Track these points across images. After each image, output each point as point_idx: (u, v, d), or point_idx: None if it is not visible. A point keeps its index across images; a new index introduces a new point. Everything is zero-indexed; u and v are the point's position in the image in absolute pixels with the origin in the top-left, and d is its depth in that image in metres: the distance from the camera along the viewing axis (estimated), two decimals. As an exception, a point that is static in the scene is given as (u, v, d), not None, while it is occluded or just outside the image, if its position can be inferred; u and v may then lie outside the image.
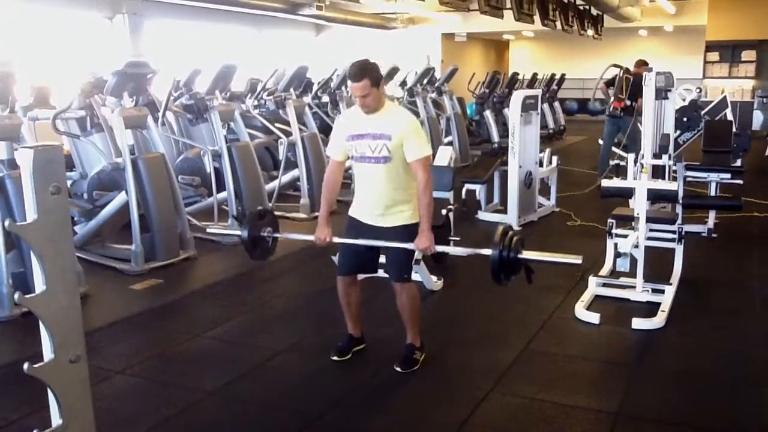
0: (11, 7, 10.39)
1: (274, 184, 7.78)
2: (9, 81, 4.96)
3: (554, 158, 7.88)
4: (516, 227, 6.99)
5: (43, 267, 2.13)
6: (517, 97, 7.14)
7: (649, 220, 4.80)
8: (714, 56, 15.93)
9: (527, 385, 3.61)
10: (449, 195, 5.80)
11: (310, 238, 3.73)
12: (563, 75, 15.95)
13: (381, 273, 4.15)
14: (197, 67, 7.98)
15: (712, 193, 6.77)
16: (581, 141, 15.16)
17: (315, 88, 9.47)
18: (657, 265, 5.07)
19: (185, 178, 6.90)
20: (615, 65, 8.71)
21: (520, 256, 3.29)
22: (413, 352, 3.81)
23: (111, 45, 11.97)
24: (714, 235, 6.47)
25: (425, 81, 11.41)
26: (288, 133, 7.73)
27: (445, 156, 6.69)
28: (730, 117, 9.27)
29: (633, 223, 4.77)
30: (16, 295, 2.10)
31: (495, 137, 12.29)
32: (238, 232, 3.84)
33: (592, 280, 4.91)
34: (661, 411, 3.37)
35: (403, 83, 11.09)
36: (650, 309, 4.57)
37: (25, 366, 2.11)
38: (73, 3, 11.59)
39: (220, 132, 6.57)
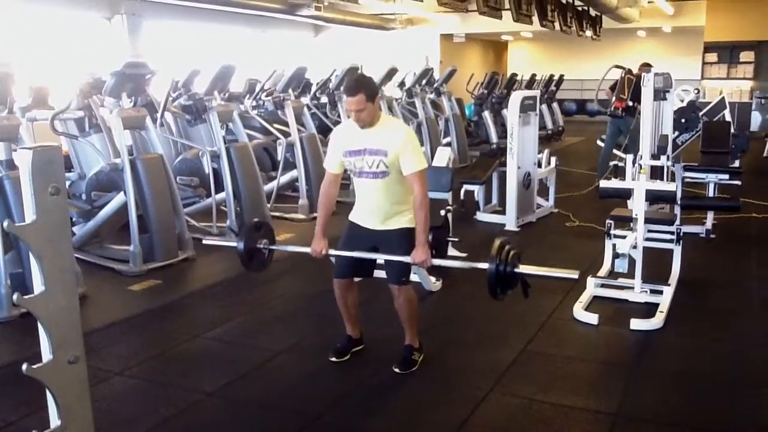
0: (10, 8, 10.38)
1: (272, 185, 7.79)
2: (7, 81, 4.95)
3: (553, 159, 7.89)
4: (515, 228, 7.01)
5: (42, 268, 2.13)
6: (516, 97, 7.14)
7: (647, 220, 4.81)
8: (712, 57, 15.96)
9: (526, 386, 3.61)
10: (448, 196, 5.79)
11: (307, 250, 3.73)
12: (562, 76, 15.96)
13: (381, 273, 4.15)
14: (196, 68, 7.98)
15: (711, 194, 6.78)
16: (580, 142, 15.18)
17: (313, 88, 9.47)
18: (655, 266, 5.08)
19: (184, 179, 6.90)
20: (617, 66, 8.71)
21: (516, 270, 3.28)
22: (412, 353, 3.81)
23: (109, 45, 11.97)
24: (712, 236, 6.48)
25: (424, 82, 11.41)
26: (286, 134, 7.73)
27: (444, 157, 6.68)
28: (728, 118, 9.30)
29: (631, 224, 4.77)
30: (15, 296, 2.10)
31: (493, 138, 12.29)
32: (234, 244, 3.82)
33: (591, 281, 4.91)
34: (659, 411, 3.37)
35: (402, 84, 11.09)
36: (648, 310, 4.57)
37: (24, 367, 2.11)
38: (71, 3, 11.58)
39: (219, 133, 6.57)
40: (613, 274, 5.02)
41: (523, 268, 3.30)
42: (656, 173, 5.64)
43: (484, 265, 3.27)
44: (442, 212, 5.47)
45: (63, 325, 2.20)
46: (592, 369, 3.94)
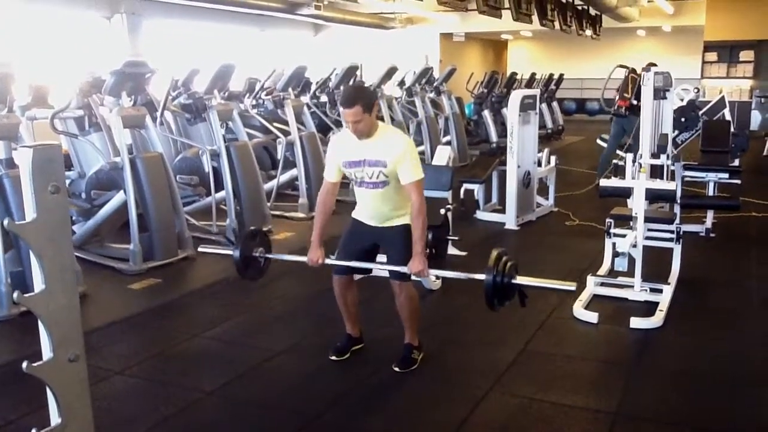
0: (10, 7, 10.38)
1: (272, 184, 7.79)
2: (7, 80, 4.95)
3: (552, 158, 7.89)
4: (514, 227, 7.01)
5: (42, 266, 2.13)
6: (516, 96, 7.14)
7: (647, 219, 4.81)
8: (712, 56, 15.96)
9: (526, 385, 3.61)
10: (447, 195, 5.79)
11: (303, 259, 3.72)
12: (561, 75, 15.96)
13: (380, 273, 4.15)
14: (195, 67, 7.97)
15: (710, 193, 6.78)
16: (579, 141, 15.18)
17: (313, 87, 9.46)
18: (655, 265, 5.08)
19: (184, 178, 6.89)
20: (621, 66, 8.70)
21: (513, 281, 3.30)
22: (411, 352, 3.81)
23: (109, 44, 11.97)
24: (712, 235, 6.48)
25: (424, 81, 11.40)
26: (286, 133, 7.73)
27: (444, 155, 6.68)
28: (728, 117, 9.29)
29: (631, 223, 4.77)
30: (15, 294, 2.10)
31: (493, 137, 12.29)
32: (230, 252, 3.81)
33: (591, 280, 4.92)
34: (659, 410, 3.37)
35: (402, 83, 11.09)
36: (648, 308, 4.57)
37: (24, 365, 2.11)
38: (71, 2, 11.58)
39: (219, 131, 6.56)
40: (612, 272, 5.03)
41: (520, 279, 3.32)
42: (656, 172, 5.64)
43: (482, 276, 3.28)
44: (442, 211, 5.47)
45: (63, 323, 2.20)
46: (592, 368, 3.94)
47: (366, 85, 10.02)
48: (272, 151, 8.35)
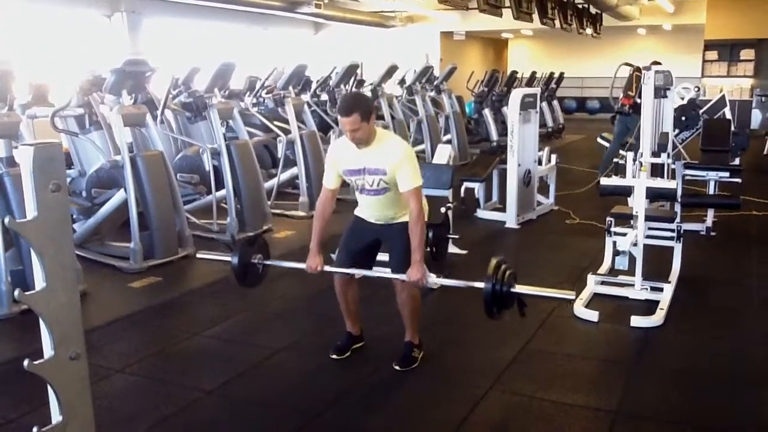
0: (10, 5, 10.37)
1: (273, 182, 7.80)
2: (8, 79, 4.95)
3: (553, 156, 7.89)
4: (515, 225, 7.01)
5: (43, 264, 2.13)
6: (516, 95, 7.14)
7: (647, 218, 4.80)
8: (713, 55, 15.95)
9: (526, 384, 3.61)
10: (448, 193, 5.80)
11: (302, 266, 3.72)
12: (562, 73, 15.96)
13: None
14: (196, 65, 7.97)
15: (711, 192, 6.78)
16: (580, 139, 15.17)
17: (314, 86, 9.46)
18: (656, 264, 5.08)
19: (184, 176, 6.90)
20: (626, 64, 8.71)
21: (512, 290, 3.30)
22: (412, 350, 3.81)
23: (110, 43, 11.96)
24: (712, 234, 6.48)
25: (424, 79, 11.40)
26: (287, 131, 7.73)
27: (444, 154, 6.69)
28: (728, 116, 9.28)
29: (632, 222, 4.77)
30: (17, 292, 2.10)
31: (494, 136, 12.29)
32: (228, 258, 3.81)
33: (591, 278, 4.92)
34: (659, 409, 3.37)
35: (402, 82, 11.09)
36: (649, 307, 4.57)
37: (26, 363, 2.11)
38: (71, 1, 11.58)
39: (219, 130, 6.56)
40: (613, 271, 5.03)
41: (519, 288, 3.32)
42: (657, 171, 5.64)
43: (480, 285, 3.29)
44: (443, 209, 5.47)
45: (64, 321, 2.20)
46: (592, 366, 3.94)
47: (366, 88, 10.04)
48: (273, 149, 8.35)
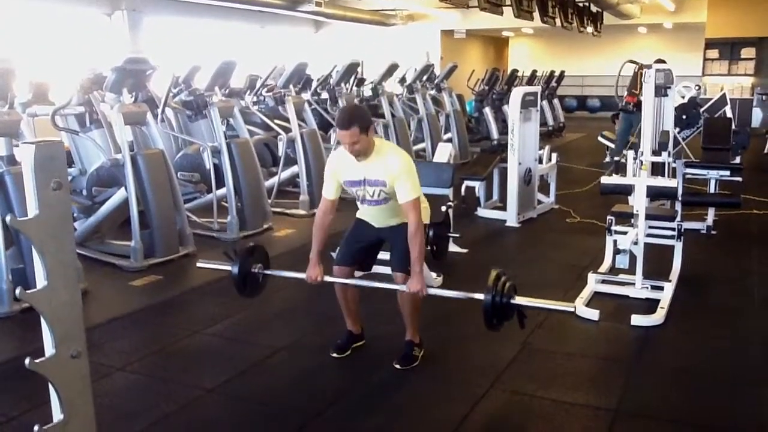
0: (11, 4, 10.37)
1: (273, 181, 7.80)
2: (8, 77, 4.95)
3: (553, 155, 7.88)
4: (515, 224, 7.01)
5: (45, 262, 2.13)
6: (517, 94, 7.13)
7: (648, 217, 4.80)
8: (713, 53, 15.95)
9: (526, 382, 3.61)
10: (449, 192, 5.80)
11: (302, 276, 3.73)
12: (562, 72, 15.95)
13: (379, 269, 4.16)
14: (196, 64, 7.97)
15: (712, 191, 6.78)
16: (580, 138, 15.17)
17: (314, 84, 9.46)
18: (656, 262, 5.08)
19: (184, 175, 6.90)
20: (631, 61, 8.71)
21: (512, 301, 3.31)
22: (412, 349, 3.81)
23: (110, 41, 11.96)
24: (713, 233, 6.47)
25: (424, 78, 11.40)
26: (287, 130, 7.73)
27: (445, 153, 6.70)
28: (729, 114, 9.29)
29: (632, 220, 4.77)
30: (18, 291, 2.10)
31: (494, 134, 12.29)
32: (229, 268, 3.82)
33: (592, 277, 4.92)
34: (659, 408, 3.37)
35: (403, 80, 11.08)
36: (649, 306, 4.57)
37: (27, 361, 2.11)
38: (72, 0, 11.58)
39: (220, 128, 6.56)
40: (614, 270, 5.03)
41: (519, 300, 3.33)
42: (657, 169, 5.64)
43: (480, 296, 3.30)
44: (443, 208, 5.48)
45: (65, 319, 2.20)
46: (592, 365, 3.95)
47: (366, 86, 10.04)
48: (273, 148, 8.35)
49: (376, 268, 4.11)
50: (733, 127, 8.25)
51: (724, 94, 9.95)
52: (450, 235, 5.73)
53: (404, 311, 3.77)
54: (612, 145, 10.74)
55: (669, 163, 5.89)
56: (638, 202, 4.75)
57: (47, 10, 11.12)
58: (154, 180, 5.61)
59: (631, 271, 4.72)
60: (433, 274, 5.09)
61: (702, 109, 8.95)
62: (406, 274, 3.62)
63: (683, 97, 9.01)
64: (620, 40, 18.91)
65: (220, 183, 6.56)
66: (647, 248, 4.79)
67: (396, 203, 3.57)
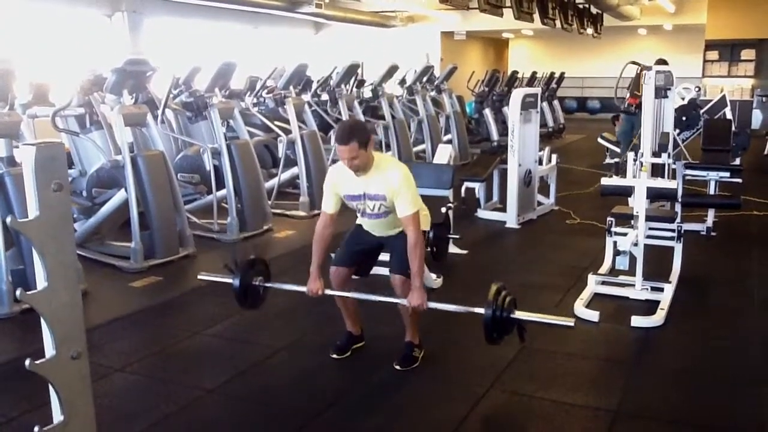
0: (11, 5, 10.38)
1: (273, 182, 7.80)
2: (8, 78, 4.96)
3: (554, 156, 7.89)
4: (515, 225, 7.01)
5: (45, 264, 2.14)
6: (517, 95, 7.14)
7: (648, 218, 4.80)
8: (713, 55, 15.95)
9: (526, 383, 3.61)
10: (449, 193, 5.80)
11: (303, 289, 3.74)
12: (562, 73, 15.96)
13: (378, 270, 4.16)
14: (197, 65, 7.97)
15: (712, 192, 6.78)
16: (580, 139, 15.17)
17: (314, 86, 9.47)
18: (656, 264, 5.08)
19: (185, 176, 6.90)
20: (633, 62, 8.72)
21: (512, 316, 3.34)
22: (412, 350, 3.82)
23: (110, 42, 11.97)
24: (713, 234, 6.47)
25: (424, 79, 11.40)
26: (287, 131, 7.73)
27: (445, 154, 6.70)
28: (729, 116, 9.28)
29: (632, 222, 4.77)
30: (18, 292, 2.10)
31: (494, 135, 12.29)
32: (230, 281, 3.83)
33: (592, 278, 4.92)
34: (660, 409, 3.38)
35: (403, 81, 11.09)
36: (649, 307, 4.57)
37: (27, 362, 2.12)
38: (72, 0, 11.58)
39: (220, 130, 6.56)
40: (614, 271, 5.03)
41: (519, 314, 3.37)
42: (657, 171, 5.64)
43: (481, 310, 3.33)
44: (443, 209, 5.48)
45: (66, 320, 2.20)
46: (592, 366, 3.95)
47: (366, 87, 10.04)
48: (273, 149, 8.35)
49: (376, 269, 4.10)
50: (733, 128, 8.25)
51: (724, 96, 9.94)
52: (450, 236, 5.73)
53: (403, 312, 3.77)
54: (612, 147, 10.74)
55: (669, 165, 5.89)
56: (638, 204, 4.76)
57: (47, 11, 11.13)
58: (154, 181, 5.61)
59: (631, 272, 4.72)
60: (433, 276, 5.09)
61: (702, 111, 8.95)
62: (405, 277, 3.63)
63: (683, 99, 9.00)
64: (620, 41, 18.92)
65: (220, 184, 6.56)
66: (647, 249, 4.79)
67: (395, 218, 3.59)
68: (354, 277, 3.96)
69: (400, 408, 3.43)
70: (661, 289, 4.71)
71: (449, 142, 10.96)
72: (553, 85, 15.49)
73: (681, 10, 16.17)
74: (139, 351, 4.12)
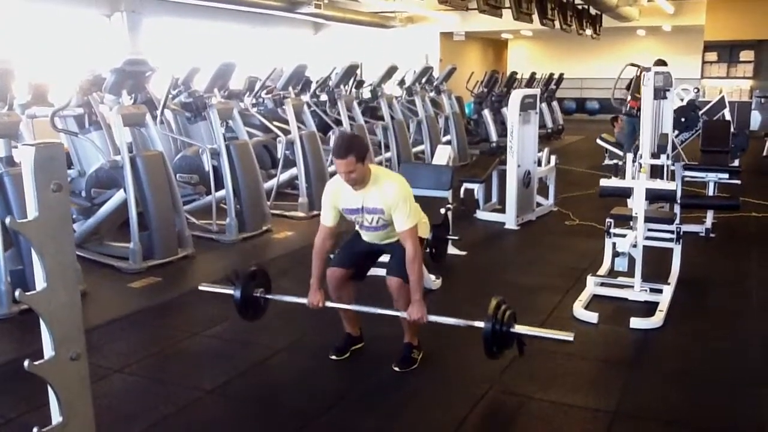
0: (10, 5, 10.37)
1: (272, 183, 7.79)
2: (7, 78, 4.95)
3: (552, 157, 7.89)
4: (514, 226, 7.01)
5: (44, 264, 2.13)
6: (516, 96, 7.14)
7: (647, 219, 4.81)
8: (712, 56, 15.97)
9: (525, 384, 3.61)
10: (447, 194, 5.80)
11: (303, 301, 3.75)
12: (561, 74, 15.96)
13: (377, 271, 4.15)
14: (196, 65, 7.96)
15: (710, 193, 6.78)
16: (579, 140, 15.18)
17: (313, 86, 9.47)
18: (655, 265, 5.08)
19: (184, 176, 6.90)
20: (632, 64, 8.73)
21: (512, 330, 3.35)
22: (411, 351, 3.81)
23: (109, 43, 11.96)
24: (712, 235, 6.48)
25: (424, 80, 11.40)
26: (286, 132, 7.73)
27: (444, 155, 6.70)
28: (728, 117, 9.30)
29: (631, 223, 4.77)
30: (17, 292, 2.10)
31: (493, 136, 12.29)
32: (231, 292, 3.83)
33: (591, 280, 4.92)
34: (658, 410, 3.37)
35: (402, 82, 11.09)
36: (648, 308, 4.58)
37: (26, 363, 2.12)
38: (71, 1, 11.58)
39: (219, 130, 6.56)
40: (612, 272, 5.03)
41: (519, 328, 3.39)
42: (656, 172, 5.64)
43: (481, 324, 3.34)
44: (442, 210, 5.48)
45: (65, 321, 2.20)
46: (591, 367, 3.95)
47: (365, 88, 10.04)
48: (272, 150, 8.35)
49: (374, 270, 4.10)
50: (732, 129, 8.27)
51: (722, 97, 9.97)
52: (449, 237, 5.73)
53: (403, 322, 3.77)
54: (611, 148, 10.75)
55: (668, 166, 5.90)
56: (637, 205, 4.76)
57: (47, 11, 11.12)
58: (153, 182, 5.61)
59: (630, 273, 4.72)
60: (432, 277, 5.09)
61: (701, 112, 8.97)
62: (402, 281, 3.63)
63: (682, 100, 9.02)
64: (619, 42, 18.94)
65: (219, 185, 6.55)
66: (646, 251, 4.79)
67: (393, 229, 3.60)
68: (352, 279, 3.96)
69: (400, 409, 3.43)
70: (660, 291, 4.71)
71: (448, 142, 10.97)
72: (552, 86, 15.50)
73: (680, 12, 16.18)
74: (138, 352, 4.12)
